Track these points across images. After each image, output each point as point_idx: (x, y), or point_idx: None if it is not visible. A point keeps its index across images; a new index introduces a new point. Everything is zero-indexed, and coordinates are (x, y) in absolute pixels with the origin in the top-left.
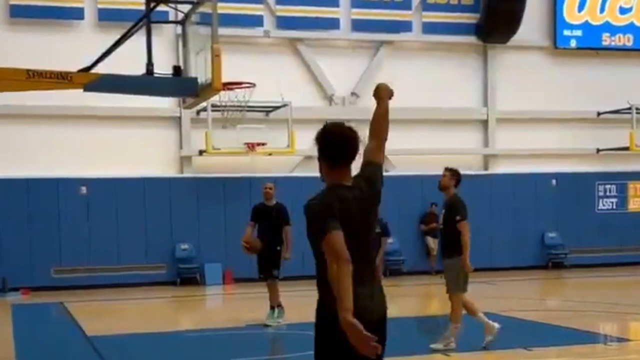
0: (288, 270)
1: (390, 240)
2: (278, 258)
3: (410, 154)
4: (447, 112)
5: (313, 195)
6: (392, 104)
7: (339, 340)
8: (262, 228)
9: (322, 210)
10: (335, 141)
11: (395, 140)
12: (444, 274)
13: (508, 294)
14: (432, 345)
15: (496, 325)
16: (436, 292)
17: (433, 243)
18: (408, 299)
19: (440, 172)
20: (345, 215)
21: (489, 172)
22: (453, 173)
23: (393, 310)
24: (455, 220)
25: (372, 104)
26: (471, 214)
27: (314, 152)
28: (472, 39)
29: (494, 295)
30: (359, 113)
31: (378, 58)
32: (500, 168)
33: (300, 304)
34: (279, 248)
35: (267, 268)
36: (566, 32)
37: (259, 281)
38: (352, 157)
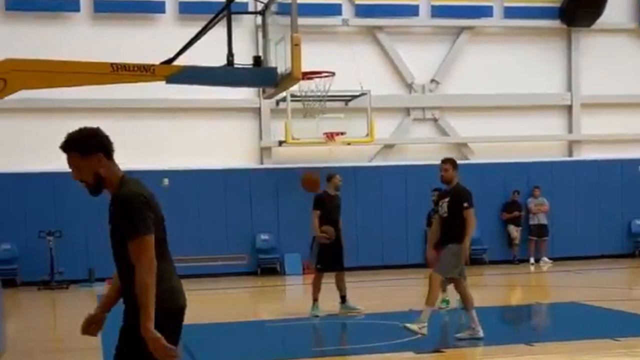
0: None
1: None
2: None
3: (492, 141)
4: (529, 98)
5: (126, 187)
6: (472, 91)
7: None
8: (328, 218)
9: (141, 207)
10: (105, 135)
11: (476, 127)
12: (441, 255)
13: (594, 283)
14: (407, 324)
15: (481, 333)
16: (519, 281)
17: (516, 232)
18: (491, 289)
19: (524, 159)
20: (157, 206)
21: (574, 158)
22: (452, 163)
23: (476, 300)
24: (462, 208)
25: (452, 91)
26: (555, 201)
27: (394, 140)
28: (555, 23)
29: (580, 285)
30: (439, 100)
31: (458, 44)
32: (585, 154)
33: (374, 293)
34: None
35: (340, 259)
36: None
37: (320, 271)
38: None
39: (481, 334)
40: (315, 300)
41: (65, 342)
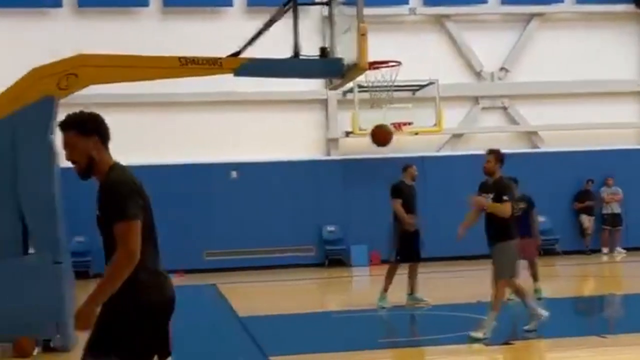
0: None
1: (541, 218)
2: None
3: (563, 129)
4: (602, 85)
5: (115, 172)
6: (543, 78)
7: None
8: (407, 208)
9: (131, 192)
10: (104, 122)
11: (547, 116)
12: (492, 259)
13: None
14: (472, 334)
15: (544, 313)
16: (592, 272)
17: (588, 221)
18: (563, 280)
19: (596, 147)
20: (146, 194)
21: None
22: (496, 156)
23: (548, 291)
24: (503, 202)
25: (522, 78)
26: (628, 190)
27: (462, 129)
28: (629, 7)
29: None
30: (508, 88)
31: (528, 31)
32: None
33: (442, 285)
34: None
35: (418, 250)
36: None
37: (399, 262)
38: None
39: (545, 313)
40: (385, 290)
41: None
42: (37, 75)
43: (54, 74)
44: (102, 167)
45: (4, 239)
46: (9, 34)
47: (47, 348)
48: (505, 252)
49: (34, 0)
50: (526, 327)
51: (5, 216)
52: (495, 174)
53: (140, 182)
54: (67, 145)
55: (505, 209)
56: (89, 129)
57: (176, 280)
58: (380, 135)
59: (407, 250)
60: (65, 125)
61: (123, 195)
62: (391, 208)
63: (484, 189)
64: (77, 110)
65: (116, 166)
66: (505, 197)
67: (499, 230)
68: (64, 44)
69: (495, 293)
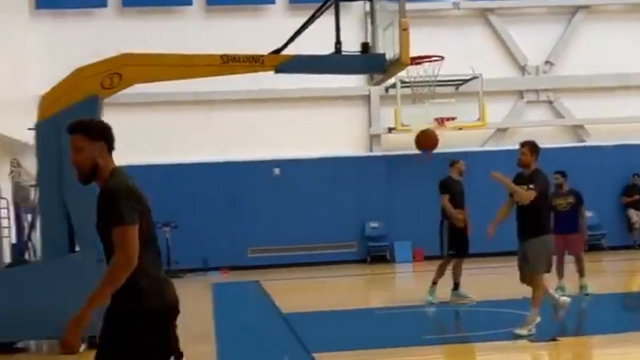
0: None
1: (588, 213)
2: None
3: (609, 122)
4: None
5: (113, 179)
6: (589, 71)
7: (147, 332)
8: (454, 203)
9: (127, 197)
10: (112, 131)
11: (593, 109)
12: (527, 254)
13: None
14: (516, 331)
15: (567, 299)
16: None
17: (636, 216)
18: (610, 275)
19: None
20: (144, 199)
21: None
22: (531, 147)
23: (595, 287)
24: (528, 189)
25: (567, 72)
26: None
27: (507, 124)
28: None
29: None
30: (553, 82)
31: (574, 24)
32: None
33: (485, 281)
34: None
35: (467, 245)
36: None
37: (451, 257)
38: None
39: (567, 300)
40: (434, 283)
41: (179, 329)
42: (81, 75)
43: (98, 73)
44: (104, 173)
45: (51, 237)
46: (54, 35)
47: (93, 345)
48: (538, 247)
49: (79, 1)
50: (557, 316)
51: (52, 215)
52: (531, 165)
53: (134, 186)
54: (72, 147)
55: (525, 195)
56: (96, 134)
57: (220, 277)
58: (427, 141)
59: (458, 245)
60: (73, 127)
61: (119, 200)
62: (439, 203)
63: (519, 180)
64: (121, 108)
65: (115, 171)
66: (531, 186)
67: (531, 225)
68: (108, 44)
69: (533, 290)
